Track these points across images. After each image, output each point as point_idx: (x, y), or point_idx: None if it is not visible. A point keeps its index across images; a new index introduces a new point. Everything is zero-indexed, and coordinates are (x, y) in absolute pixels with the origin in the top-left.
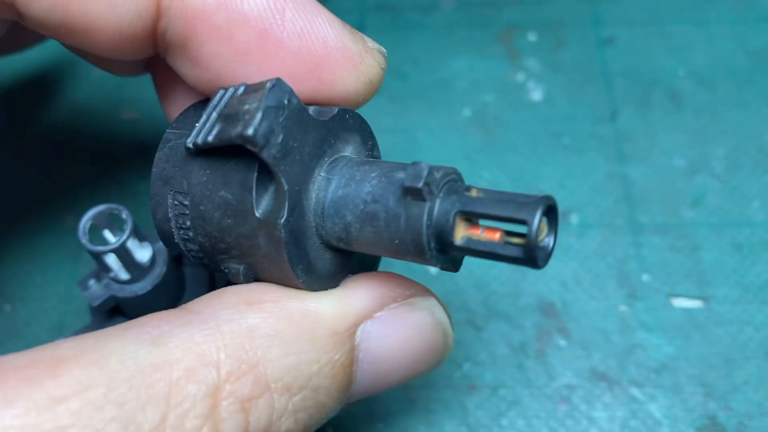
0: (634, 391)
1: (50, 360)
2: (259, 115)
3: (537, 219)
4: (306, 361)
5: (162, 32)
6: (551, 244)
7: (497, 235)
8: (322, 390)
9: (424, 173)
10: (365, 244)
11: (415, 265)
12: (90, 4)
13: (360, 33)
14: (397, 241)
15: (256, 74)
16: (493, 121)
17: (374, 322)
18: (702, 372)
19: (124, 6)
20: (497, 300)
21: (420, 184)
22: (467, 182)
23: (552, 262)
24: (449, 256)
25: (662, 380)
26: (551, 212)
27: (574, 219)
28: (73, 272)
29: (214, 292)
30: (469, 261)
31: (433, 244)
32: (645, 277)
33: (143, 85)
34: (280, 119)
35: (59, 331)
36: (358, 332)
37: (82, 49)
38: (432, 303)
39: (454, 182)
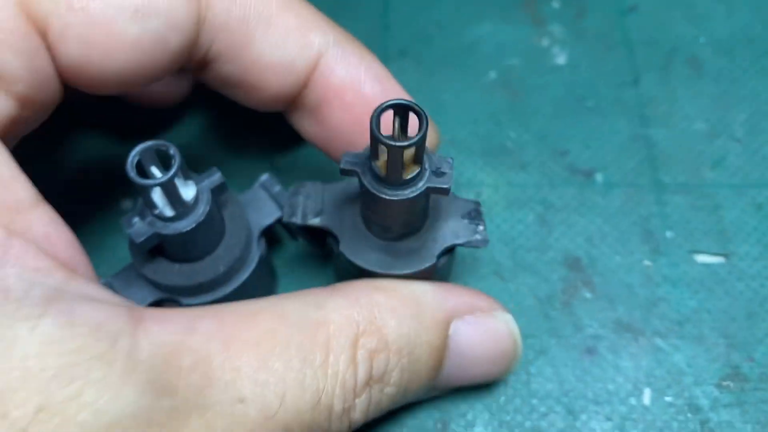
0: (659, 342)
1: (248, 312)
2: None
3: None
4: (414, 334)
5: (302, 98)
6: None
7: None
8: (421, 362)
9: None
10: None
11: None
12: (265, 71)
13: None
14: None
15: (360, 135)
16: (519, 84)
17: (464, 323)
18: (724, 325)
19: (287, 79)
20: (524, 254)
21: None
22: (495, 141)
23: (577, 218)
24: None
25: (686, 332)
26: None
27: (598, 178)
28: (104, 223)
29: (351, 281)
30: (495, 216)
31: None
32: (668, 234)
33: None
34: None
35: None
36: (451, 327)
37: (245, 102)
38: (509, 318)
39: None
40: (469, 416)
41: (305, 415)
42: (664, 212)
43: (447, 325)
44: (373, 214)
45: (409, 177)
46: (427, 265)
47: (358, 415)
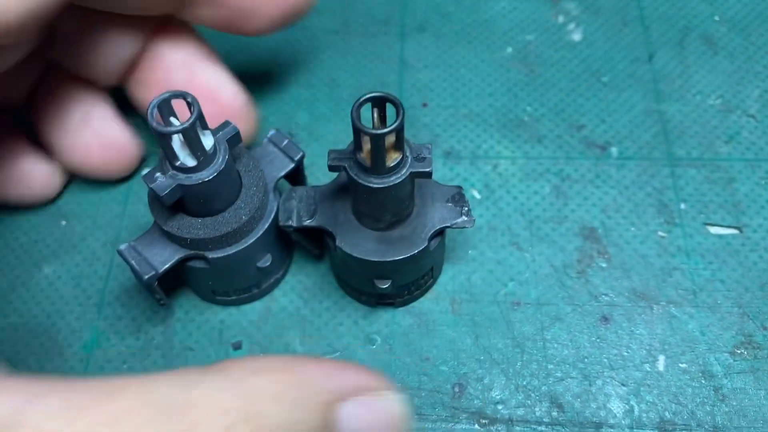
0: (673, 310)
1: (107, 389)
2: None
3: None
4: (297, 421)
5: None
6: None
7: None
8: None
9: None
10: None
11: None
12: None
13: None
14: None
15: (257, 6)
16: (535, 59)
17: (352, 405)
18: (738, 294)
19: None
20: (541, 225)
21: None
22: (512, 115)
23: (593, 190)
24: None
25: (699, 301)
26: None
27: (614, 151)
28: (126, 192)
29: (232, 360)
30: (512, 188)
31: None
32: (682, 206)
33: None
34: None
35: (113, 244)
36: (338, 411)
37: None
38: (399, 398)
39: None
40: (486, 380)
41: None
42: (678, 185)
43: (334, 408)
44: (364, 206)
45: (392, 164)
46: (420, 248)
47: None
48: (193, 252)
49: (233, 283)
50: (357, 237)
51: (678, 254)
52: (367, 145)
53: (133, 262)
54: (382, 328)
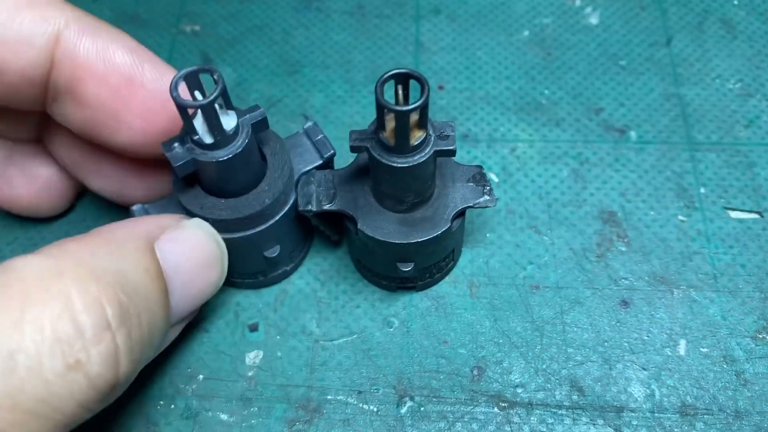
0: (694, 294)
1: None
2: None
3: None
4: (128, 267)
5: (54, 81)
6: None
7: None
8: (149, 293)
9: None
10: None
11: None
12: (2, 52)
13: None
14: None
15: (124, 109)
16: (552, 43)
17: (165, 241)
18: (759, 279)
19: (27, 54)
20: (559, 208)
21: None
22: (529, 98)
23: (611, 173)
24: None
25: (720, 285)
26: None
27: (632, 135)
28: None
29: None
30: (530, 171)
31: None
32: (702, 190)
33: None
34: None
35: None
36: (156, 250)
37: None
38: (197, 221)
39: None
40: (505, 364)
41: None
42: (698, 169)
43: (151, 249)
44: (386, 187)
45: (416, 143)
46: (443, 229)
47: (99, 368)
48: None
49: (235, 266)
50: (378, 219)
51: (698, 238)
52: (390, 124)
53: None
54: (400, 311)
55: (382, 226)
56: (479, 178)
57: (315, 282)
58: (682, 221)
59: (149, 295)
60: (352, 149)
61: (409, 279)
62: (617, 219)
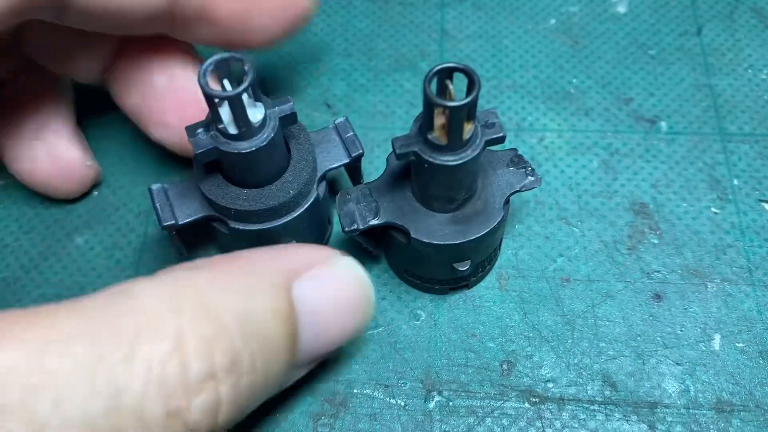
0: (728, 288)
1: (34, 311)
2: None
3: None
4: (255, 308)
5: (180, 8)
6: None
7: None
8: (272, 337)
9: None
10: None
11: None
12: None
13: None
14: None
15: (258, 17)
16: (580, 31)
17: (306, 281)
18: None
19: None
20: (589, 199)
21: None
22: (557, 87)
23: (642, 164)
24: None
25: (756, 279)
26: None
27: (663, 125)
28: (160, 162)
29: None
30: (559, 162)
31: None
32: (735, 182)
33: None
34: None
35: (147, 216)
36: (294, 289)
37: (115, 29)
38: (349, 260)
39: None
40: (536, 358)
41: (99, 420)
42: (731, 161)
43: (288, 287)
44: (437, 188)
45: (468, 136)
46: (498, 219)
47: (199, 416)
48: (216, 214)
49: None
50: (430, 224)
51: (732, 231)
52: (439, 121)
53: (158, 204)
54: (427, 304)
55: (436, 230)
56: (517, 160)
57: None
58: (715, 213)
59: (272, 338)
60: (399, 156)
61: (463, 278)
62: (649, 211)
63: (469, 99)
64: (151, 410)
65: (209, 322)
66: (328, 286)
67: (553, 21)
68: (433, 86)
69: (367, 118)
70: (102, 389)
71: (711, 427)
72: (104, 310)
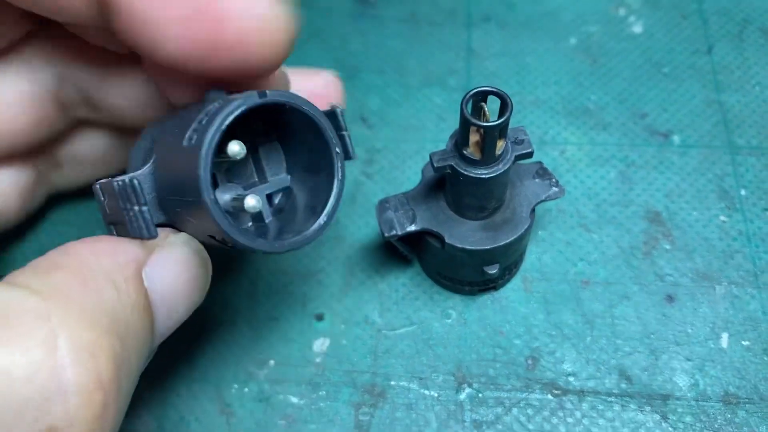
0: (735, 291)
1: None
2: None
3: None
4: (119, 308)
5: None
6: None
7: None
8: (139, 332)
9: None
10: None
11: None
12: None
13: None
14: None
15: (156, 18)
16: (598, 50)
17: (151, 267)
18: None
19: None
20: (607, 208)
21: None
22: (577, 102)
23: (656, 175)
24: None
25: (761, 282)
26: None
27: (676, 139)
28: None
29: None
30: (579, 173)
31: None
32: (743, 192)
33: None
34: None
35: None
36: (144, 277)
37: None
38: (185, 237)
39: None
40: (558, 354)
41: None
42: (739, 172)
43: (140, 278)
44: (470, 199)
45: (499, 152)
46: (526, 226)
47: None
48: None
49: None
50: (463, 230)
51: (739, 238)
52: (474, 138)
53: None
54: (457, 303)
55: (468, 236)
56: (542, 172)
57: (376, 275)
58: (724, 221)
59: (139, 331)
60: (437, 170)
61: (491, 280)
62: (662, 219)
63: (502, 120)
64: (22, 429)
65: (87, 328)
66: (173, 268)
67: (573, 40)
68: (469, 107)
69: (400, 132)
70: None
71: (719, 417)
72: None
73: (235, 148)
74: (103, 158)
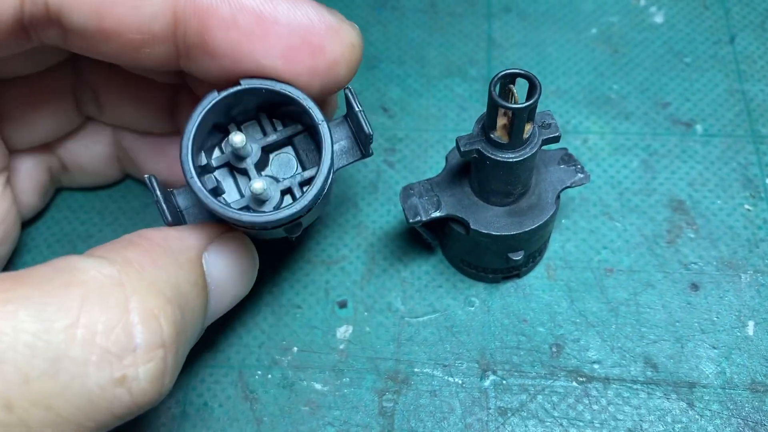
0: (761, 279)
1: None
2: None
3: None
4: (183, 282)
5: (182, 35)
6: None
7: None
8: (195, 308)
9: None
10: None
11: None
12: (117, 6)
13: (335, 10)
14: None
15: (261, 51)
16: (619, 40)
17: (210, 254)
18: None
19: (145, 8)
20: (630, 196)
21: None
22: (599, 92)
23: (679, 164)
24: None
25: None
26: None
27: (698, 128)
28: None
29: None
30: (602, 161)
31: None
32: (767, 181)
33: None
34: None
35: None
36: (204, 262)
37: (116, 55)
38: (240, 234)
39: None
40: (582, 341)
41: (35, 384)
42: (763, 161)
43: (200, 262)
44: (497, 184)
45: (527, 135)
46: (551, 212)
47: (146, 385)
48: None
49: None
50: (488, 216)
51: (764, 226)
52: (501, 121)
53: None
54: (480, 291)
55: (493, 222)
56: (567, 159)
57: (398, 263)
58: (748, 210)
59: (196, 308)
60: (464, 154)
61: (515, 268)
62: (685, 207)
63: (531, 101)
64: (93, 376)
65: (152, 295)
66: (228, 258)
67: (594, 30)
68: (497, 89)
69: (421, 121)
70: (41, 353)
71: (746, 405)
72: (49, 282)
73: (236, 138)
74: (105, 165)
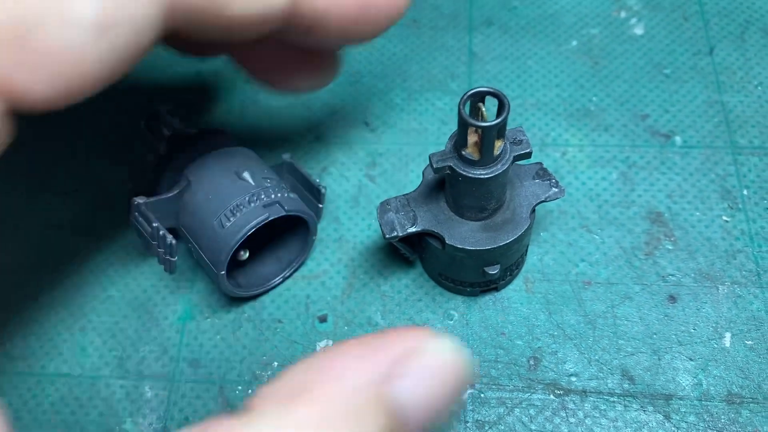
0: (738, 290)
1: None
2: None
3: None
4: (363, 427)
5: (300, 13)
6: None
7: None
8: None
9: None
10: None
11: None
12: None
13: None
14: None
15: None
16: (599, 52)
17: (404, 380)
18: None
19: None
20: (609, 209)
21: None
22: (578, 104)
23: (658, 176)
24: None
25: (764, 282)
26: None
27: (677, 140)
28: None
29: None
30: (581, 174)
31: None
32: (745, 192)
33: None
34: None
35: None
36: (394, 394)
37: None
38: (441, 341)
39: None
40: (560, 354)
41: None
42: (741, 172)
43: (384, 399)
44: (470, 199)
45: (498, 152)
46: (525, 227)
47: None
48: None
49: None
50: (463, 231)
51: (741, 237)
52: (472, 139)
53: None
54: (459, 305)
55: (469, 237)
56: (542, 173)
57: (378, 276)
58: (726, 221)
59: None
60: (436, 170)
61: (492, 281)
62: (664, 219)
63: (499, 120)
64: None
65: None
66: (427, 380)
67: (574, 43)
68: (467, 108)
69: (402, 135)
70: None
71: (722, 417)
72: None
73: (241, 253)
74: None
